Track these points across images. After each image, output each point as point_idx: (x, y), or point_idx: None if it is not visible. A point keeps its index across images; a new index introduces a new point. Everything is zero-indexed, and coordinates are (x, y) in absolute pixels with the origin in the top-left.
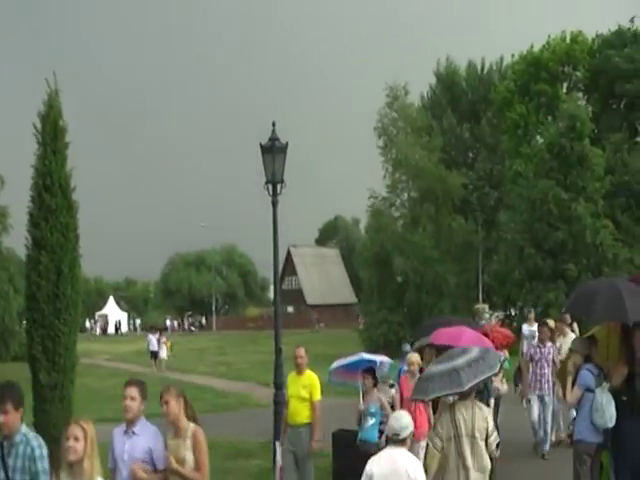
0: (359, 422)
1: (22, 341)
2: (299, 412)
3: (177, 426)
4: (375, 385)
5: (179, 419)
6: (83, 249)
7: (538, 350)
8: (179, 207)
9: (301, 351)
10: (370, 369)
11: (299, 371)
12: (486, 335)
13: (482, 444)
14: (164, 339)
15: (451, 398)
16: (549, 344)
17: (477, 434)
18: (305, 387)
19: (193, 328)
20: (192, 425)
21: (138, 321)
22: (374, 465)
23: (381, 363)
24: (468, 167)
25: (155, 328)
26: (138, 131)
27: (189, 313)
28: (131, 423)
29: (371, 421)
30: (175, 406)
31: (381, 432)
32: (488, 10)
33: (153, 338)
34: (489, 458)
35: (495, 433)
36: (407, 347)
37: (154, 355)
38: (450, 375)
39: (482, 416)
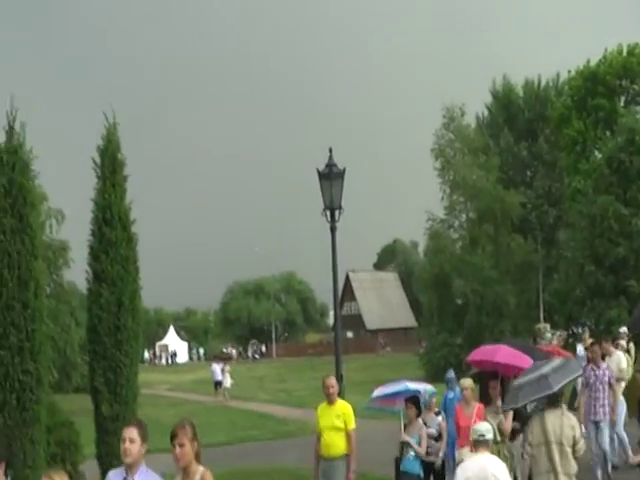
0: (400, 452)
1: (84, 373)
2: (335, 443)
3: (186, 470)
4: (419, 415)
5: (191, 463)
6: (143, 280)
7: (592, 373)
8: (237, 235)
9: (332, 381)
10: (414, 397)
11: (330, 401)
12: (551, 354)
13: (569, 450)
14: (228, 368)
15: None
16: (603, 365)
17: (565, 441)
18: (339, 417)
19: (257, 356)
20: (201, 468)
21: (202, 350)
22: (465, 470)
23: (424, 391)
24: (526, 186)
25: (219, 357)
26: (195, 162)
27: (253, 341)
28: (130, 468)
29: (412, 452)
30: (190, 450)
31: (423, 462)
32: (543, 27)
33: (217, 367)
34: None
35: (582, 441)
36: (451, 373)
37: (218, 385)
38: (539, 381)
39: (570, 425)
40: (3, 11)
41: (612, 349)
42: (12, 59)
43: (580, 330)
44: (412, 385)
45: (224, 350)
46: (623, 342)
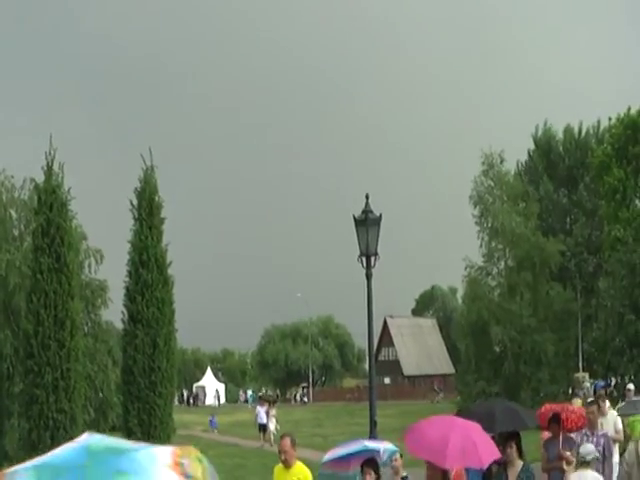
0: None
1: (120, 412)
2: None
3: None
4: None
5: None
6: (181, 320)
7: (586, 439)
8: (275, 278)
9: (286, 443)
10: (372, 460)
11: (286, 464)
12: (558, 416)
13: None
14: (273, 412)
15: None
16: (600, 432)
17: None
18: None
19: (306, 399)
20: None
21: (249, 392)
22: None
23: (384, 451)
24: (566, 233)
25: (264, 400)
26: (232, 206)
27: (304, 385)
28: None
29: None
30: None
31: None
32: (585, 73)
33: (261, 410)
34: None
35: None
36: None
37: (262, 428)
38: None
39: None
40: (45, 58)
41: (606, 408)
42: (53, 101)
43: (619, 380)
44: (371, 444)
45: (268, 393)
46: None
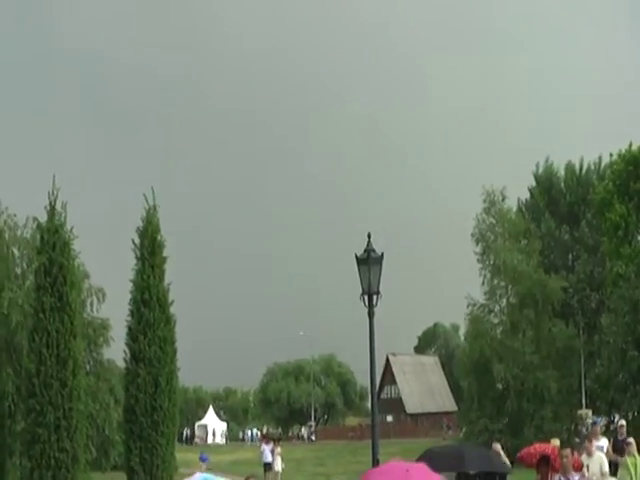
0: None
1: (122, 451)
2: None
3: None
4: None
5: None
6: (183, 359)
7: None
8: (277, 317)
9: None
10: None
11: None
12: (547, 458)
13: None
14: (278, 450)
15: None
16: (575, 476)
17: None
18: None
19: (313, 437)
20: None
21: (248, 432)
22: None
23: None
24: (568, 270)
25: (269, 438)
26: (233, 242)
27: (310, 423)
28: None
29: None
30: None
31: None
32: (587, 110)
33: (267, 449)
34: None
35: None
36: None
37: (268, 467)
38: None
39: None
40: (46, 98)
41: (592, 449)
42: (55, 140)
43: (622, 417)
44: (210, 476)
45: (271, 431)
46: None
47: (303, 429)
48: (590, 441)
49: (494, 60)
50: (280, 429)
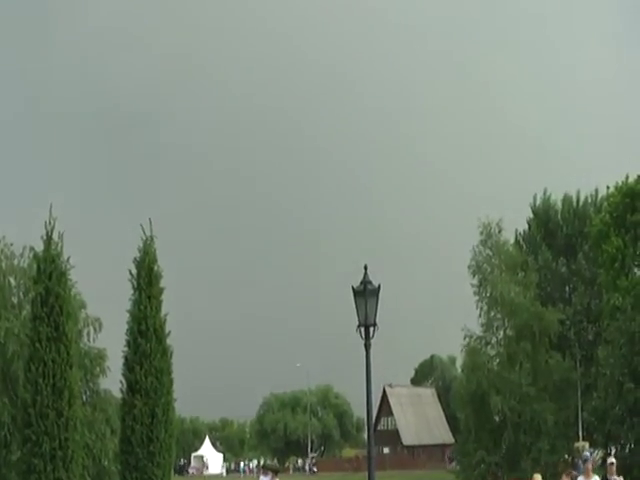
0: None
1: None
2: None
3: None
4: None
5: None
6: (179, 390)
7: None
8: (274, 348)
9: None
10: None
11: None
12: None
13: None
14: None
15: None
16: None
17: None
18: None
19: (315, 469)
20: None
21: (241, 463)
22: None
23: None
24: (565, 302)
25: (268, 469)
26: (229, 273)
27: (313, 454)
28: None
29: None
30: None
31: None
32: (582, 142)
33: None
34: None
35: None
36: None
37: None
38: None
39: None
40: (42, 121)
41: None
42: (50, 168)
43: (619, 449)
44: None
45: (268, 462)
46: None
47: (299, 461)
48: (567, 475)
49: (492, 91)
50: (276, 460)
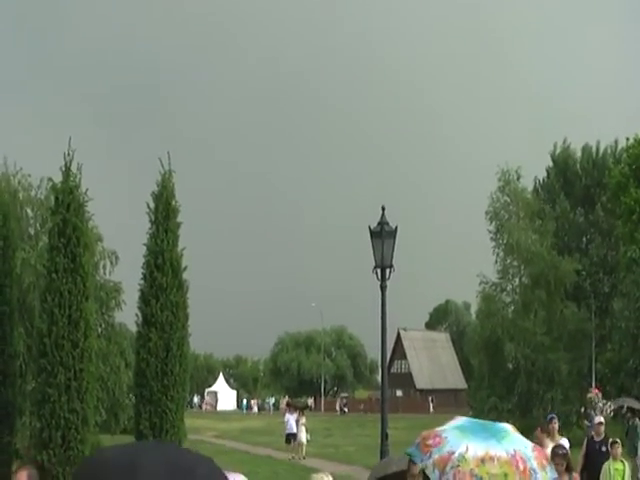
0: None
1: (131, 414)
2: None
3: None
4: None
5: None
6: (194, 326)
7: None
8: (289, 287)
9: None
10: None
11: None
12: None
13: None
14: (303, 420)
15: None
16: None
17: None
18: None
19: (346, 409)
20: None
21: (273, 399)
22: None
23: None
24: (581, 253)
25: (294, 407)
26: (248, 212)
27: (343, 394)
28: None
29: None
30: None
31: None
32: (605, 91)
33: (291, 418)
34: None
35: None
36: None
37: (292, 438)
38: None
39: None
40: (62, 65)
41: (547, 440)
42: (71, 103)
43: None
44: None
45: (309, 401)
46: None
47: (310, 400)
48: (542, 444)
49: (514, 41)
50: (287, 399)
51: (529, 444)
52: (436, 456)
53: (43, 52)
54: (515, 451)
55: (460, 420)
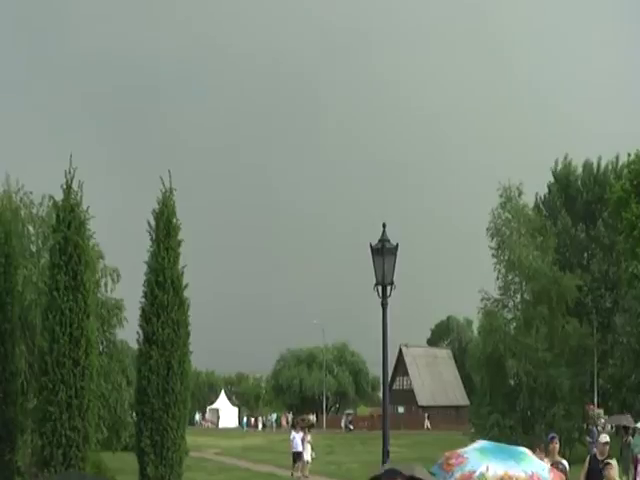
0: None
1: (133, 432)
2: None
3: None
4: None
5: None
6: (195, 343)
7: None
8: (291, 304)
9: None
10: None
11: None
12: None
13: None
14: (309, 438)
15: None
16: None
17: None
18: None
19: (351, 427)
20: None
21: (275, 416)
22: None
23: None
24: (583, 269)
25: (299, 425)
26: (249, 229)
27: (348, 412)
28: None
29: None
30: None
31: None
32: (606, 107)
33: (297, 437)
34: None
35: None
36: None
37: (297, 456)
38: None
39: None
40: (64, 81)
41: (542, 456)
42: (73, 121)
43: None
44: None
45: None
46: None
47: (312, 417)
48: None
49: (514, 55)
50: (291, 415)
51: (546, 466)
52: (458, 474)
53: (43, 52)
54: (533, 472)
55: (480, 443)
